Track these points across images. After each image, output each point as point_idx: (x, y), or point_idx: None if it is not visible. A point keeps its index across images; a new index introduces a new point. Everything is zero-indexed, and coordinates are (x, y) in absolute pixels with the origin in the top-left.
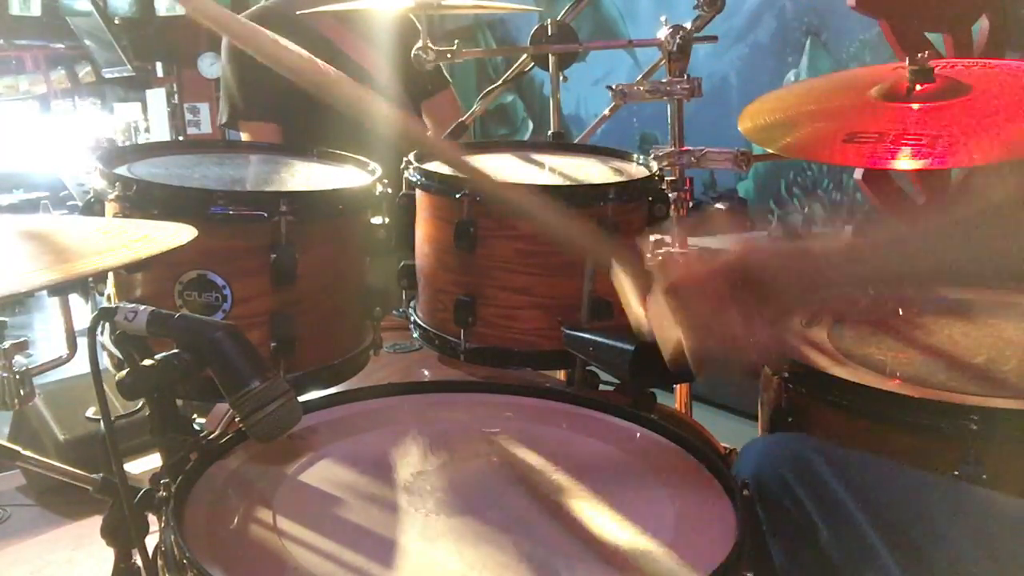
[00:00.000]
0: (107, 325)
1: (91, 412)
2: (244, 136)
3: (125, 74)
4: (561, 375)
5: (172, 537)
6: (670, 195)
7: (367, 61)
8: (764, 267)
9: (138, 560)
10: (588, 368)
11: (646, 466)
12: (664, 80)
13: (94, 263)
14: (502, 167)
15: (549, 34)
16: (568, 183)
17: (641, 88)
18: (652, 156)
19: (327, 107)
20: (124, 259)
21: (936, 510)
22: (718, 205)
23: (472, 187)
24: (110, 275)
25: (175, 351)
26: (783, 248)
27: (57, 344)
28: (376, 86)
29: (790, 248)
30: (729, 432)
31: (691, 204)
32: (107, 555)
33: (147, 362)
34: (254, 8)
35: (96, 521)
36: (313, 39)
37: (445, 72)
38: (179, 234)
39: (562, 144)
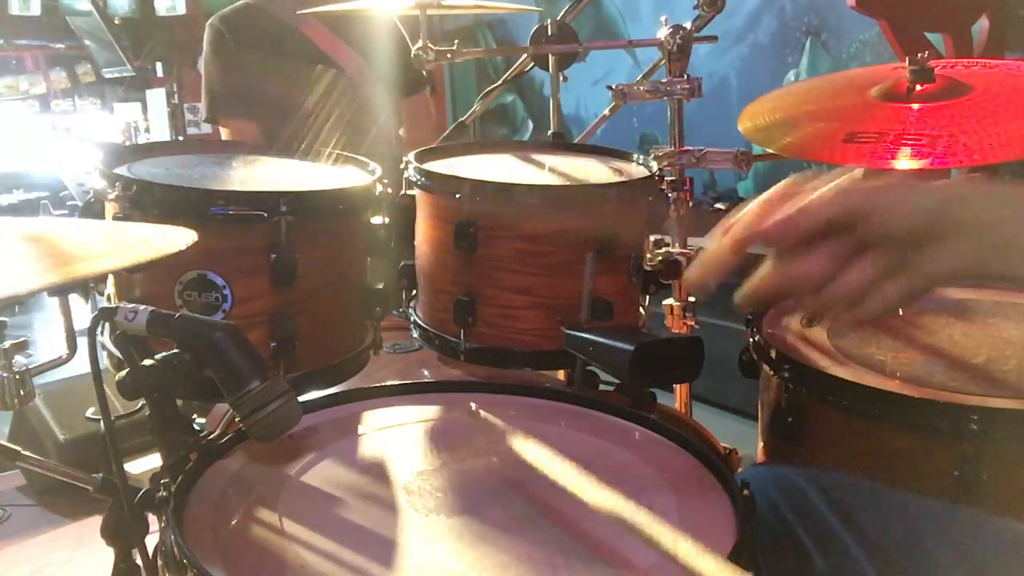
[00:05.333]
0: (107, 325)
1: (91, 412)
2: (224, 134)
3: (125, 74)
4: (561, 375)
5: (172, 537)
6: (670, 195)
7: (354, 69)
8: (880, 205)
9: (138, 560)
10: (588, 368)
11: (646, 466)
12: (664, 80)
13: (93, 267)
14: (502, 167)
15: (549, 34)
16: (568, 183)
17: (641, 88)
18: (652, 156)
19: (308, 109)
20: (123, 263)
21: (929, 535)
22: (718, 205)
23: None
24: (110, 275)
25: (175, 351)
26: (900, 180)
27: (57, 344)
28: (362, 94)
29: (907, 180)
30: (729, 432)
31: (691, 204)
32: (107, 555)
33: (147, 362)
34: (238, 5)
35: (96, 521)
36: (301, 43)
37: (425, 75)
38: (179, 238)
39: (562, 144)
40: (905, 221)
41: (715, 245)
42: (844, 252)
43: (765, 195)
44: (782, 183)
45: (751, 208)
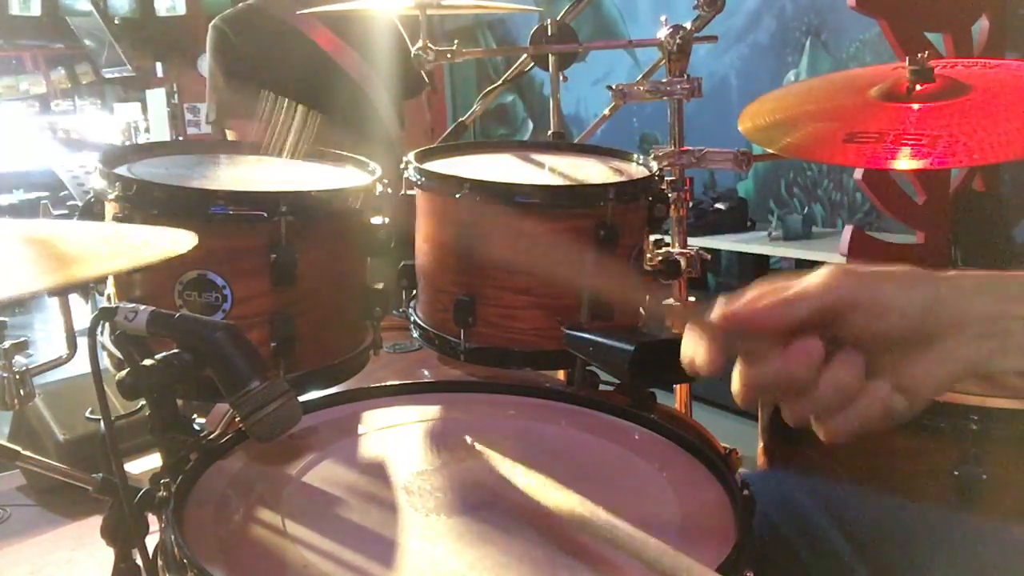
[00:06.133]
0: (107, 325)
1: (91, 412)
2: (230, 134)
3: (125, 74)
4: (561, 375)
5: (172, 537)
6: (670, 195)
7: (356, 69)
8: (866, 299)
9: (138, 560)
10: (588, 368)
11: (646, 466)
12: (664, 80)
13: (93, 269)
14: (502, 167)
15: (549, 34)
16: (568, 183)
17: (641, 88)
18: (652, 156)
19: (315, 108)
20: (123, 266)
21: (920, 539)
22: (718, 205)
23: None
24: (110, 276)
25: (175, 351)
26: (893, 271)
27: (57, 344)
28: (363, 93)
29: (900, 272)
30: (729, 432)
31: (691, 204)
32: (107, 555)
33: (147, 362)
34: (240, 6)
35: (96, 521)
36: (303, 44)
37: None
38: (179, 241)
39: (562, 144)
40: (894, 317)
41: (696, 334)
42: (824, 350)
43: (750, 289)
44: (763, 282)
45: (740, 299)
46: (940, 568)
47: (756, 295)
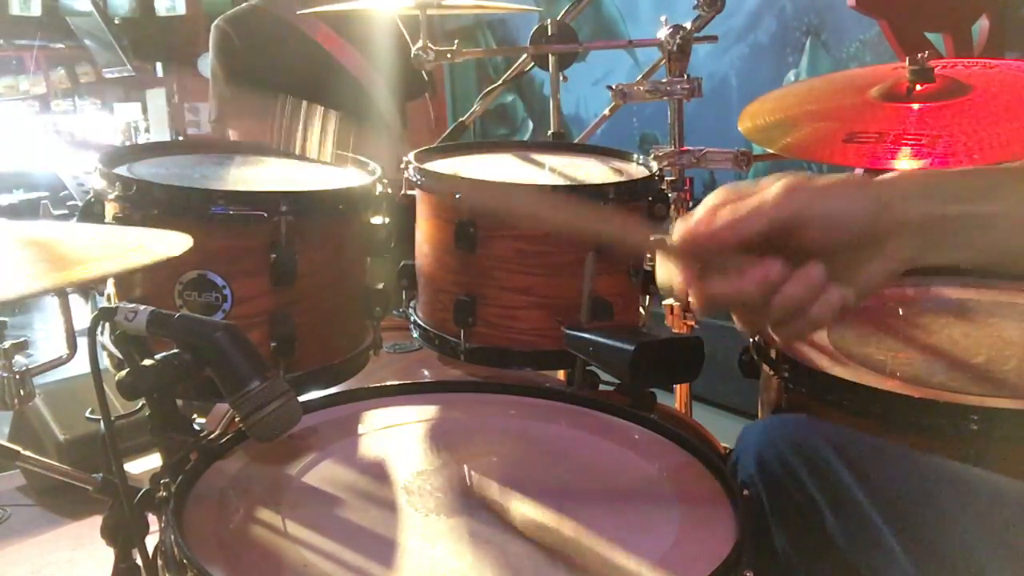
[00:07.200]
0: (107, 325)
1: (91, 412)
2: (232, 134)
3: (125, 74)
4: (561, 375)
5: (172, 537)
6: (670, 195)
7: (358, 68)
8: (817, 214)
9: (138, 560)
10: (588, 368)
11: (646, 466)
12: (664, 80)
13: (90, 271)
14: (502, 167)
15: (549, 34)
16: (568, 183)
17: (641, 88)
18: (652, 156)
19: (313, 108)
20: (119, 267)
21: (943, 494)
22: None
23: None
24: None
25: (175, 351)
26: (839, 183)
27: (57, 344)
28: (366, 93)
29: (845, 183)
30: (729, 432)
31: (691, 204)
32: (107, 555)
33: (147, 362)
34: (243, 6)
35: (96, 521)
36: (305, 43)
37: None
38: (175, 243)
39: (562, 144)
40: (843, 228)
41: (664, 253)
42: (783, 261)
43: (706, 201)
44: (719, 190)
45: (697, 215)
46: (961, 522)
47: (711, 210)
